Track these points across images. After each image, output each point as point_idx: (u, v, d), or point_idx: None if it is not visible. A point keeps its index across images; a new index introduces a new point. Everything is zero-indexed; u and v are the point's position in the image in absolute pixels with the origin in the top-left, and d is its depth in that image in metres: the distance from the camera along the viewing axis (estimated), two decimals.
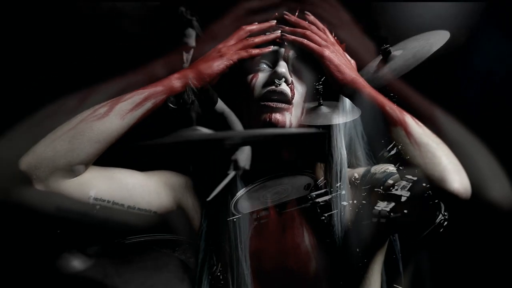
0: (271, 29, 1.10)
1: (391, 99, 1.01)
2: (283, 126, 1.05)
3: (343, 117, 1.07)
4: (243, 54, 1.06)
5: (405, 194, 0.95)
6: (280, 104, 1.05)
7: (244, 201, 1.07)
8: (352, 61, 1.11)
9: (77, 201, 0.97)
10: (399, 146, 0.96)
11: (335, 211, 1.09)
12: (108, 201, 1.01)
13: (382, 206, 0.97)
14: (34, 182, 0.94)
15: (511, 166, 1.06)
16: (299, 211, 1.11)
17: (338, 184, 1.10)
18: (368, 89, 1.00)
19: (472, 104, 1.27)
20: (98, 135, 0.97)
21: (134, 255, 1.02)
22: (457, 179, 0.92)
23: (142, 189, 1.06)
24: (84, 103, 0.99)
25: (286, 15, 1.10)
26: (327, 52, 1.04)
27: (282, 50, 1.09)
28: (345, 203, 1.10)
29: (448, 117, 1.07)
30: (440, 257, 1.27)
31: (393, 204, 0.96)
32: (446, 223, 0.96)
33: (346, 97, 1.06)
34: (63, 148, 0.95)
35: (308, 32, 1.07)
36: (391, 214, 0.96)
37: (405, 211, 0.95)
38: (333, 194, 1.09)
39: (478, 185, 0.95)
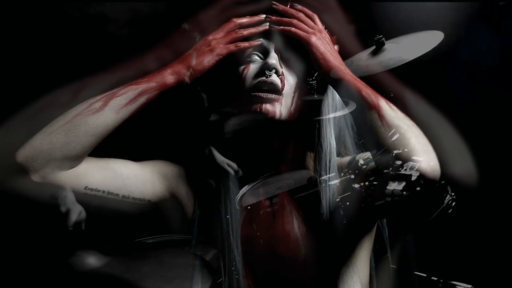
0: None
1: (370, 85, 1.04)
2: (273, 117, 1.07)
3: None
4: (232, 48, 1.08)
5: (414, 174, 0.97)
6: (270, 94, 1.07)
7: (246, 197, 1.11)
8: (336, 47, 1.14)
9: (72, 191, 0.99)
10: (372, 130, 1.00)
11: (324, 199, 1.12)
12: (103, 191, 1.04)
13: (394, 186, 0.99)
14: (30, 174, 0.97)
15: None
16: (288, 200, 1.14)
17: (328, 172, 1.13)
18: (348, 76, 1.03)
19: (460, 99, 1.30)
20: (94, 128, 1.00)
21: (149, 251, 1.04)
22: (424, 159, 0.95)
23: (136, 179, 1.08)
24: (79, 96, 1.01)
25: (274, 4, 1.12)
26: (313, 39, 1.07)
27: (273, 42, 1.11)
28: (333, 192, 1.13)
29: (417, 98, 1.10)
30: (425, 242, 1.31)
31: (404, 183, 0.98)
32: (454, 203, 0.99)
33: (330, 84, 1.09)
34: (59, 141, 0.97)
35: (294, 21, 1.10)
36: (404, 192, 0.98)
37: (418, 188, 0.97)
38: (344, 177, 1.13)
39: (441, 162, 0.98)
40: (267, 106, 1.06)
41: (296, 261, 1.10)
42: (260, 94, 1.07)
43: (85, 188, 1.02)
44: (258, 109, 1.06)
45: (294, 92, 1.10)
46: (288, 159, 1.15)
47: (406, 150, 0.96)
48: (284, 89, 1.08)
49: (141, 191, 1.09)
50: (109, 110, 1.00)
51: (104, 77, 1.05)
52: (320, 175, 1.13)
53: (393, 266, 1.21)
